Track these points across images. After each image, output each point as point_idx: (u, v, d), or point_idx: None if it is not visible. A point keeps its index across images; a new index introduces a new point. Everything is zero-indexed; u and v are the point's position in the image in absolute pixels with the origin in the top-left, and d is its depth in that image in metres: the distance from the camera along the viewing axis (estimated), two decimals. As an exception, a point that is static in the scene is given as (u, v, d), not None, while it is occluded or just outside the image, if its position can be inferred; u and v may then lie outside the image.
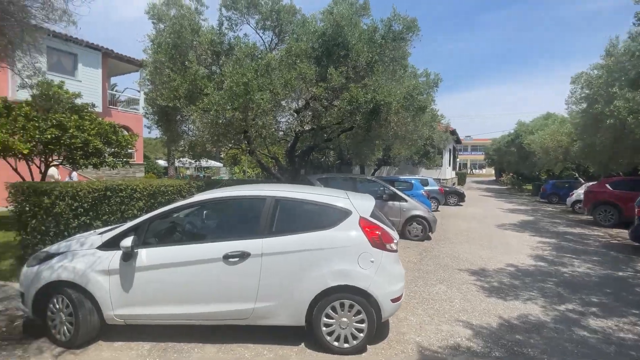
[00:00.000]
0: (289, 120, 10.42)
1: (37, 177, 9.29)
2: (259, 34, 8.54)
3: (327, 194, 3.53)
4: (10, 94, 12.18)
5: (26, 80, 4.79)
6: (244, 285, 3.10)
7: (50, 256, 3.28)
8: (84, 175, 14.27)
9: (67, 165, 9.43)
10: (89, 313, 3.10)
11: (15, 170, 9.15)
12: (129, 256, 3.08)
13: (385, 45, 7.76)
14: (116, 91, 24.18)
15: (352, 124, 8.15)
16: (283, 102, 7.89)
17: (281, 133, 10.89)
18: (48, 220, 5.06)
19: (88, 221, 5.40)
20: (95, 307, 3.12)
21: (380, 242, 3.20)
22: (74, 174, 12.02)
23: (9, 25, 4.39)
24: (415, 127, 8.97)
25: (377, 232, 3.23)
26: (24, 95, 9.79)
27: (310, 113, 9.66)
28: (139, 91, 21.11)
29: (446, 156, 27.78)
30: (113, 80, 25.03)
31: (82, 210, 5.30)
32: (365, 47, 7.37)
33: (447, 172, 28.57)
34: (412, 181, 11.67)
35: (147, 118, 10.25)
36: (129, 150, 11.17)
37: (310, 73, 7.33)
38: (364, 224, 3.24)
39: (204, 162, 27.63)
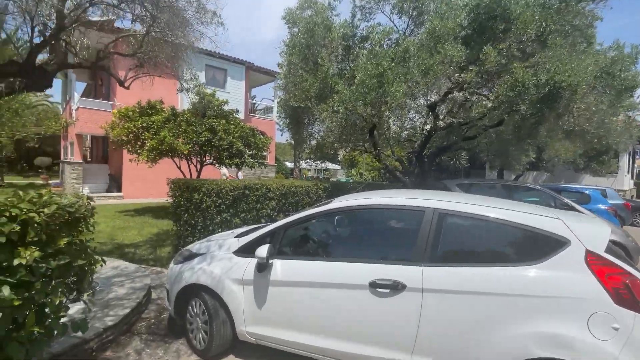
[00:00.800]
0: (413, 119, 9.29)
1: (195, 175, 10.82)
2: (392, 22, 7.72)
3: (517, 208, 2.40)
4: (179, 105, 14.73)
5: (183, 83, 5.24)
6: (396, 328, 2.29)
7: (193, 256, 3.19)
8: (231, 174, 16.19)
9: (217, 165, 10.64)
10: (223, 324, 2.83)
11: (179, 168, 10.86)
12: (263, 267, 2.68)
13: (565, 9, 5.84)
14: (255, 100, 27.41)
15: (509, 113, 6.46)
16: (419, 95, 6.84)
17: (405, 133, 9.83)
18: (197, 214, 5.43)
19: (229, 217, 5.59)
20: (229, 318, 2.83)
21: (630, 296, 1.91)
22: (240, 173, 13.68)
23: (174, 41, 4.78)
24: (607, 117, 6.54)
25: (622, 280, 1.94)
26: (186, 104, 11.65)
27: (447, 107, 8.30)
28: (272, 100, 23.31)
29: (624, 160, 21.13)
30: (253, 92, 28.57)
31: (224, 207, 5.52)
32: (535, 14, 5.65)
33: (625, 182, 21.70)
34: (588, 192, 8.78)
35: (278, 125, 10.77)
36: (264, 153, 11.96)
37: (458, 55, 6.08)
38: (597, 264, 2.00)
39: (328, 164, 28.70)
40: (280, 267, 2.67)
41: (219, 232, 5.22)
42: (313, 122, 10.12)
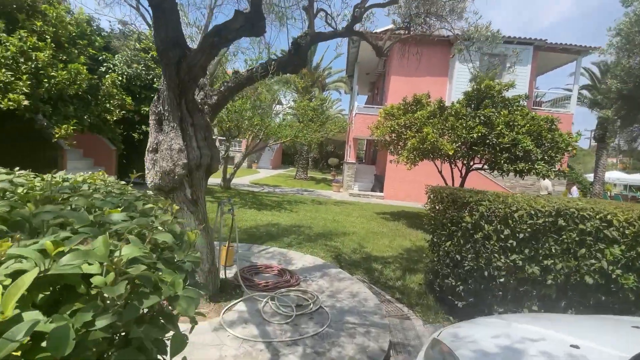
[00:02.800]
0: None
1: (457, 183, 8.85)
2: None
3: None
4: (447, 98, 13.14)
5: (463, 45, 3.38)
6: None
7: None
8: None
9: (488, 171, 8.13)
10: None
11: (440, 172, 9.24)
12: None
13: None
14: (539, 89, 21.39)
15: None
16: None
17: None
18: (465, 248, 3.46)
19: (520, 262, 3.23)
20: None
21: None
22: (574, 189, 9.75)
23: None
24: None
25: None
26: (456, 95, 9.82)
27: None
28: (569, 90, 17.22)
29: None
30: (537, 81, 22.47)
31: (513, 243, 3.23)
32: None
33: None
34: None
35: (601, 113, 6.72)
36: (560, 156, 8.07)
37: None
38: None
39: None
40: None
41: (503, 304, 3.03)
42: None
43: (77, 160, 9.83)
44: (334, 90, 27.30)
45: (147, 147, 2.76)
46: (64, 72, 5.54)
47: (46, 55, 5.31)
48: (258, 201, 10.38)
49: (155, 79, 8.56)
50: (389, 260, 5.50)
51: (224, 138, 13.33)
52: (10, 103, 4.81)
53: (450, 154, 7.31)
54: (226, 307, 3.15)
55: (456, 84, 13.82)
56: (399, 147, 8.91)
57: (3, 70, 4.85)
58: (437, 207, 3.98)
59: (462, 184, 8.52)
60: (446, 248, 3.71)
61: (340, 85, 25.96)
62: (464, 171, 8.79)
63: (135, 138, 9.28)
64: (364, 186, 15.99)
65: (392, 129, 8.32)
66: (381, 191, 14.69)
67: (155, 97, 2.72)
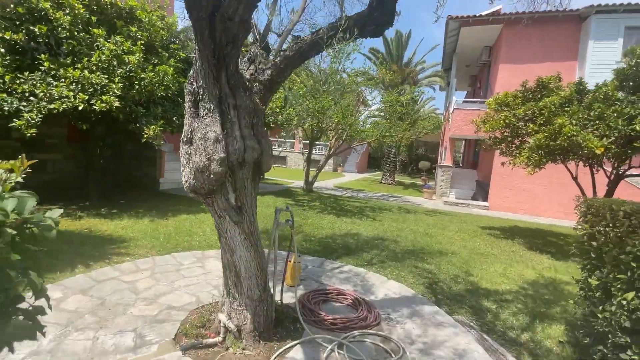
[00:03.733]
0: None
1: (600, 193, 6.54)
2: None
3: None
4: (587, 78, 10.35)
5: None
6: None
7: None
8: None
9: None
10: None
11: (574, 178, 7.00)
12: None
13: None
14: None
15: None
16: None
17: None
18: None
19: None
20: None
21: None
22: None
23: None
24: None
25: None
26: (601, 76, 7.34)
27: None
28: None
29: None
30: None
31: None
32: None
33: None
34: None
35: None
36: None
37: None
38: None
39: None
40: None
41: None
42: None
43: (175, 161, 10.62)
44: (427, 87, 25.05)
45: (182, 137, 2.17)
46: (152, 73, 5.68)
47: (136, 58, 5.49)
48: (339, 206, 9.62)
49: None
50: (506, 297, 4.03)
51: (308, 141, 13.03)
52: (103, 105, 5.04)
53: (598, 153, 5.28)
54: (277, 353, 2.36)
55: (590, 68, 10.76)
56: (514, 145, 7.05)
57: (98, 73, 5.13)
58: (604, 232, 2.51)
59: (608, 195, 6.25)
60: (625, 302, 2.24)
61: (435, 80, 23.64)
62: (612, 177, 6.45)
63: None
64: (462, 193, 13.85)
65: (506, 122, 6.56)
66: (485, 200, 12.42)
67: (191, 71, 2.11)
